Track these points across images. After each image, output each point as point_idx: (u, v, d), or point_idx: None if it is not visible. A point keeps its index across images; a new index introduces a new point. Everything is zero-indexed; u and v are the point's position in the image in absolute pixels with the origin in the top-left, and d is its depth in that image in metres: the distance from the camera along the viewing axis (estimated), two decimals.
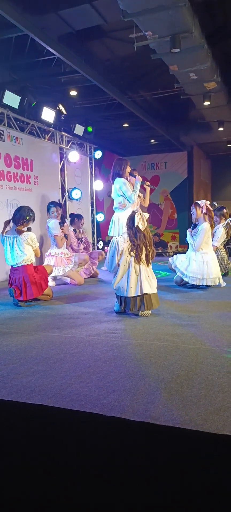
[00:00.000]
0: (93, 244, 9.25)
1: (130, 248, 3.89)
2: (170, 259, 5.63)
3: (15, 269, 4.62)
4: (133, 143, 13.45)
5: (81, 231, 7.00)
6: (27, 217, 4.69)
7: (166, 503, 1.65)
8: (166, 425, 1.85)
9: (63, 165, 8.12)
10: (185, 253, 5.59)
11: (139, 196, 5.84)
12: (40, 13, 5.48)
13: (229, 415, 1.92)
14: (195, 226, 5.46)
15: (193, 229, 5.46)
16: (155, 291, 3.94)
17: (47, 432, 2.00)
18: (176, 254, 5.73)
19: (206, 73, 6.84)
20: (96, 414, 1.98)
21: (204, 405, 2.02)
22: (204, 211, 5.30)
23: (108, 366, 2.60)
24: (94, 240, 9.34)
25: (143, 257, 3.89)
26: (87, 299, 4.87)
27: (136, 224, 3.91)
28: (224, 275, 5.99)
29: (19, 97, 6.47)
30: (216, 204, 6.27)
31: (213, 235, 5.90)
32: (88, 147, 9.19)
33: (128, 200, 5.43)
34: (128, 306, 3.87)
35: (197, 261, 5.18)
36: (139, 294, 3.84)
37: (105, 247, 7.90)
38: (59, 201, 7.55)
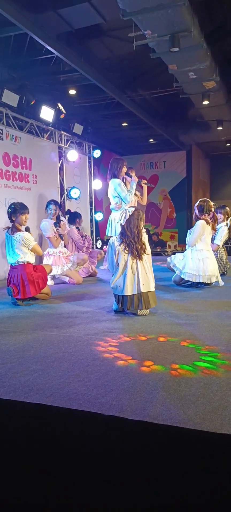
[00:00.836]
0: (92, 243, 9.24)
1: (123, 247, 3.91)
2: (168, 258, 5.63)
3: (14, 267, 4.62)
4: (131, 142, 13.44)
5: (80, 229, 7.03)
6: (9, 210, 4.66)
7: (164, 502, 1.65)
8: (164, 424, 1.85)
9: (62, 164, 8.12)
10: (183, 252, 5.60)
11: (135, 194, 5.83)
12: (39, 12, 5.47)
13: (227, 414, 1.92)
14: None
15: None
16: (153, 289, 3.94)
17: (45, 431, 2.00)
18: (174, 253, 5.73)
19: (205, 72, 6.84)
20: (95, 413, 1.98)
21: (202, 404, 2.02)
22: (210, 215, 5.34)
23: (107, 365, 2.60)
24: (93, 239, 9.34)
25: (135, 252, 3.90)
26: (86, 298, 4.86)
27: (121, 222, 3.99)
28: (223, 274, 5.99)
29: (18, 96, 6.46)
30: (215, 204, 6.29)
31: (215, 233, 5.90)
32: (87, 146, 9.18)
33: (123, 200, 5.43)
34: (125, 304, 3.87)
35: (193, 258, 5.19)
36: (136, 292, 3.84)
37: (104, 246, 7.90)
38: (60, 202, 7.57)
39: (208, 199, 5.53)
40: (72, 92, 8.52)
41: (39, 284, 4.61)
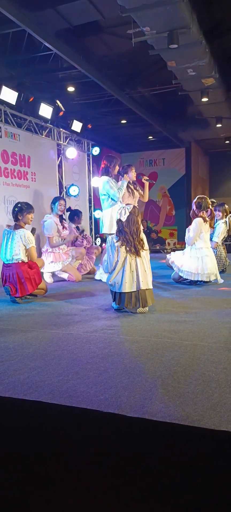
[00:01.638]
0: (92, 240, 9.24)
1: (120, 243, 3.91)
2: (167, 255, 5.64)
3: (7, 265, 4.62)
4: (130, 140, 13.41)
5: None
6: (16, 209, 4.71)
7: (163, 499, 1.66)
8: (163, 421, 1.85)
9: (60, 162, 8.10)
10: (182, 249, 5.60)
11: (136, 189, 5.81)
12: (37, 9, 5.45)
13: (226, 411, 1.92)
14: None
15: None
16: (151, 287, 3.94)
17: (44, 428, 2.00)
18: (173, 251, 5.73)
19: (204, 69, 6.83)
20: (94, 411, 1.98)
21: (201, 401, 2.03)
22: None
23: (106, 363, 2.60)
24: (92, 237, 9.34)
25: (133, 248, 3.90)
26: (85, 296, 4.87)
27: (119, 217, 3.98)
28: (222, 272, 6.00)
29: (17, 93, 6.44)
30: (215, 201, 6.28)
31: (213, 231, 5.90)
32: (86, 144, 9.16)
33: (112, 199, 5.40)
34: (123, 302, 3.87)
35: (192, 257, 5.19)
36: (135, 289, 3.84)
37: (104, 244, 7.90)
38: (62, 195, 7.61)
39: (205, 196, 5.53)
40: (71, 89, 8.50)
41: (35, 280, 4.62)
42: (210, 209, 5.41)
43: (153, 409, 1.95)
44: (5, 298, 4.70)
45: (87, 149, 9.21)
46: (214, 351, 2.75)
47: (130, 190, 5.68)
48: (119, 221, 4.00)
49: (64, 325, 3.54)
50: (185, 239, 5.38)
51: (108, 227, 5.40)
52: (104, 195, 5.45)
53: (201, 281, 5.19)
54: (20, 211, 4.71)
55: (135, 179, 5.77)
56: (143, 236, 4.04)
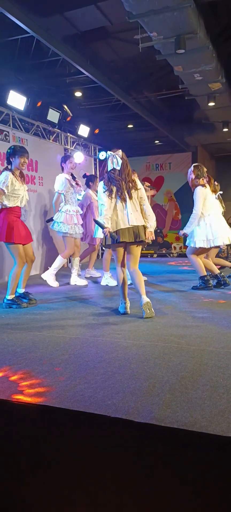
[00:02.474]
0: None
1: (108, 193, 3.90)
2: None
3: None
4: (137, 144, 13.44)
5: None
6: (8, 151, 4.42)
7: (171, 503, 1.66)
8: (170, 427, 1.85)
9: None
10: None
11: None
12: (45, 15, 5.50)
13: None
14: None
15: None
16: (142, 223, 3.96)
17: (51, 433, 2.01)
18: (179, 255, 5.73)
19: (211, 74, 6.83)
20: (101, 415, 1.98)
21: (209, 406, 2.02)
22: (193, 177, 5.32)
23: (113, 367, 2.60)
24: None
25: (126, 192, 3.91)
26: (92, 299, 4.87)
27: (112, 167, 3.94)
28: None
29: (25, 98, 6.50)
30: (217, 183, 6.33)
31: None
32: (92, 148, 9.20)
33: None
34: (119, 237, 3.87)
35: (200, 226, 5.20)
36: (127, 226, 3.86)
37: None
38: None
39: (200, 164, 5.53)
40: (78, 94, 8.55)
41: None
42: (208, 175, 5.43)
43: (160, 415, 1.95)
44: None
45: (94, 154, 9.24)
46: (221, 356, 2.74)
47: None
48: (109, 171, 3.95)
49: (71, 329, 3.55)
50: (192, 217, 5.26)
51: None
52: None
53: (221, 282, 5.20)
54: (13, 153, 4.35)
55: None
56: (135, 177, 4.09)
